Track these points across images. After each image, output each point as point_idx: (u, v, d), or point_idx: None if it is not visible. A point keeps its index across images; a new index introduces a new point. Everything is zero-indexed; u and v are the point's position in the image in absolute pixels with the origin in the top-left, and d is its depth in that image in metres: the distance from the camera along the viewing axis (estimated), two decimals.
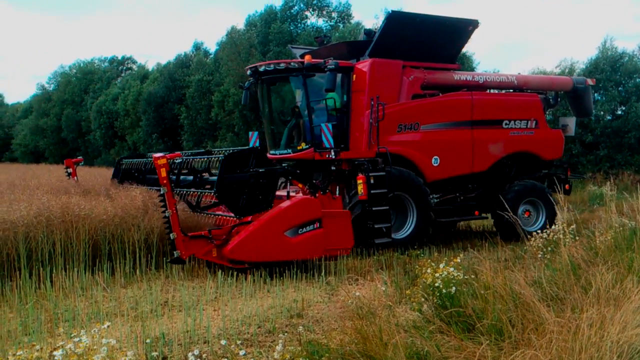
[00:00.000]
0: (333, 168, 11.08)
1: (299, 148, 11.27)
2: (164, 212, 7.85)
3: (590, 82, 13.88)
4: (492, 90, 13.21)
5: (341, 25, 36.63)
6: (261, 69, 11.26)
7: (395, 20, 11.32)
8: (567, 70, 26.28)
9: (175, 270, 8.35)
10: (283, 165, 10.25)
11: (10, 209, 8.11)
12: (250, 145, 11.67)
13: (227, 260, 8.35)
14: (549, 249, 7.62)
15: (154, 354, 4.65)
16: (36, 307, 6.50)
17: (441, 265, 5.05)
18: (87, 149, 49.03)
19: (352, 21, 38.12)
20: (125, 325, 5.78)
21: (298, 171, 10.69)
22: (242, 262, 8.40)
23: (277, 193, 9.48)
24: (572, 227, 7.97)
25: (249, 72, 11.73)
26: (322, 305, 6.90)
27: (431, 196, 11.52)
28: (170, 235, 7.84)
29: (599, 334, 3.69)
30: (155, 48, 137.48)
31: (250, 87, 11.85)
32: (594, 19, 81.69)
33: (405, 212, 11.09)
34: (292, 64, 11.03)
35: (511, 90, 13.18)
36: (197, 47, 41.77)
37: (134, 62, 54.15)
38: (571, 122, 13.79)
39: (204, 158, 9.41)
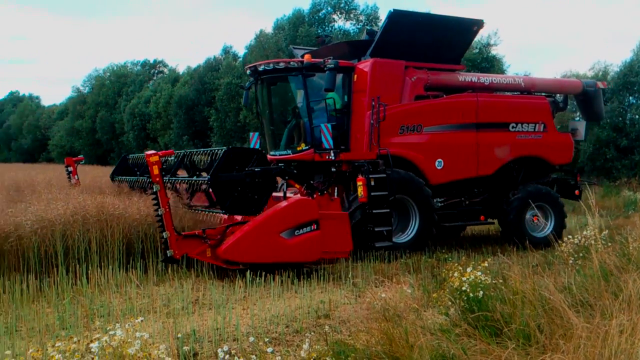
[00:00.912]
0: (333, 169, 10.87)
1: (298, 149, 11.08)
2: (156, 210, 7.77)
3: (600, 85, 13.52)
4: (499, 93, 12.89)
5: (368, 28, 36.61)
6: (260, 68, 11.07)
7: (397, 19, 11.06)
8: (600, 73, 25.91)
9: (206, 270, 8.44)
10: (280, 165, 10.10)
11: (48, 208, 8.39)
12: (251, 146, 11.51)
13: (221, 261, 8.27)
14: (580, 254, 7.55)
15: (185, 348, 4.76)
16: (73, 303, 6.71)
17: (468, 269, 5.07)
18: (120, 150, 49.81)
19: (379, 24, 38.11)
20: (157, 322, 5.92)
21: (295, 171, 10.54)
22: (236, 263, 8.30)
23: (274, 194, 9.35)
24: (604, 233, 7.86)
25: (248, 71, 11.60)
26: (348, 307, 6.96)
27: (435, 200, 11.24)
28: (163, 234, 7.77)
29: (630, 341, 3.66)
30: (185, 52, 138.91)
31: (251, 87, 11.67)
32: (630, 21, 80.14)
33: (408, 216, 10.87)
34: (291, 63, 10.88)
35: (518, 93, 12.85)
36: (226, 50, 42.19)
37: (165, 65, 54.95)
38: (581, 126, 13.47)
39: (207, 151, 9.32)
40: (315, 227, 8.50)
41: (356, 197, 10.16)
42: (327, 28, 37.48)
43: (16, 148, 69.51)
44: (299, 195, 9.27)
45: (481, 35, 29.19)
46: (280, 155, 11.38)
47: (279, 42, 32.16)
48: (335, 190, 10.67)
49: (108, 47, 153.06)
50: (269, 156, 11.40)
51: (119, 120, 49.62)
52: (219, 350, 3.78)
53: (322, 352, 4.11)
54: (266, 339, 5.27)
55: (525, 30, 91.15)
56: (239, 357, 3.60)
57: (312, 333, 5.58)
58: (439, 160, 11.20)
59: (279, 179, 9.85)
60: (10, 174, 16.99)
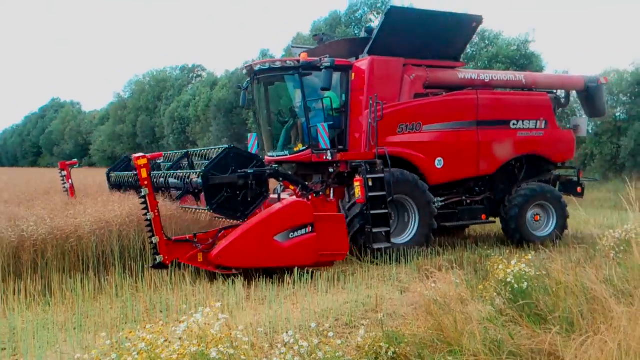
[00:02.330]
0: (331, 170, 10.72)
1: (295, 149, 10.93)
2: (145, 214, 7.65)
3: (602, 80, 13.29)
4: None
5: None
6: (257, 68, 10.93)
7: (395, 16, 10.97)
8: None
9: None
10: (273, 166, 9.81)
11: (105, 209, 8.81)
12: (249, 147, 11.31)
13: (213, 266, 8.14)
14: (622, 248, 7.63)
15: (259, 329, 5.05)
16: (132, 299, 7.11)
17: (513, 262, 5.27)
18: None
19: None
20: (215, 315, 6.25)
21: (289, 173, 10.48)
22: (228, 268, 8.13)
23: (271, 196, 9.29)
24: None
25: (244, 71, 11.46)
26: (394, 301, 7.20)
27: (435, 199, 11.09)
28: (153, 239, 7.66)
29: None
30: (224, 56, 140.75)
31: (248, 88, 11.54)
32: None
33: (407, 216, 10.75)
34: (288, 62, 10.73)
35: (520, 90, 12.64)
36: (263, 54, 42.71)
37: (204, 69, 55.73)
38: (583, 122, 13.41)
39: (209, 149, 9.28)
40: (310, 230, 8.38)
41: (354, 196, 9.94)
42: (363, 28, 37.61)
43: (58, 153, 71.38)
44: (294, 197, 9.17)
45: (519, 33, 29.05)
46: (277, 156, 11.28)
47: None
48: (331, 192, 10.44)
49: (148, 53, 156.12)
50: (266, 157, 11.36)
51: (159, 124, 50.62)
52: (284, 335, 4.08)
53: (377, 339, 4.37)
54: (330, 334, 5.51)
55: (565, 27, 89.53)
56: (303, 340, 3.88)
57: (367, 320, 5.83)
58: (439, 159, 11.09)
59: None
60: (54, 176, 17.51)
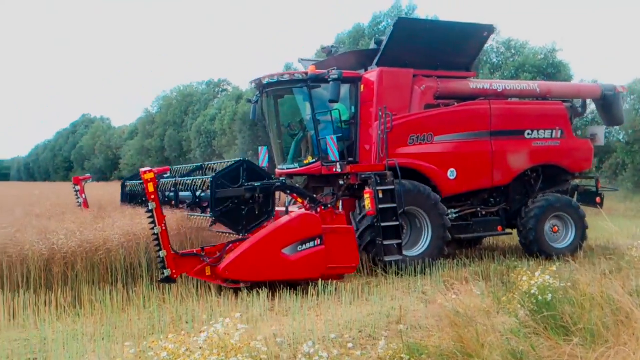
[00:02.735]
0: (341, 182, 10.66)
1: (305, 162, 10.88)
2: (152, 228, 7.62)
3: (620, 89, 13.02)
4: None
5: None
6: (265, 81, 10.90)
7: (403, 27, 10.92)
8: None
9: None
10: (281, 179, 9.77)
11: (132, 222, 8.96)
12: (260, 160, 11.26)
13: (220, 280, 8.11)
14: None
15: (279, 340, 5.10)
16: (159, 310, 7.21)
17: (537, 274, 5.23)
18: None
19: None
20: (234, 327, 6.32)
21: (297, 185, 10.43)
22: (237, 282, 8.11)
23: (278, 209, 9.25)
24: None
25: (253, 85, 11.45)
26: (418, 313, 7.17)
27: (449, 211, 10.96)
28: (160, 253, 7.62)
29: None
30: (249, 70, 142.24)
31: (258, 102, 11.46)
32: None
33: (420, 228, 10.58)
34: (296, 75, 10.69)
35: (534, 99, 12.46)
36: (288, 67, 43.01)
37: (229, 84, 56.29)
38: (600, 131, 13.08)
39: (197, 179, 9.18)
40: (319, 243, 8.31)
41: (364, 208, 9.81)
42: None
43: (89, 168, 72.63)
44: (302, 210, 9.08)
45: (546, 42, 28.79)
46: (287, 169, 11.27)
47: None
48: (340, 204, 10.28)
49: (174, 68, 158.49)
50: (277, 170, 11.44)
51: (186, 138, 51.21)
52: (305, 345, 4.12)
53: (398, 351, 4.38)
54: (350, 345, 5.54)
55: (594, 35, 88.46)
56: (322, 351, 3.92)
57: (387, 332, 5.84)
58: (452, 170, 10.94)
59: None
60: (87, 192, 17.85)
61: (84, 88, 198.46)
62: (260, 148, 11.56)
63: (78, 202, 11.53)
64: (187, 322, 6.77)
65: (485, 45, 30.33)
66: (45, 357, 5.64)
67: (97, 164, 70.68)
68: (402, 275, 9.67)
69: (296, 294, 7.95)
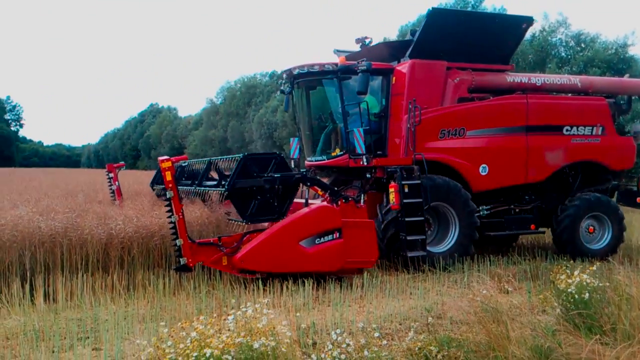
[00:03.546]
0: (368, 175, 10.51)
1: (333, 154, 10.77)
2: (170, 217, 7.72)
3: None
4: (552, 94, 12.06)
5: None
6: (295, 72, 10.79)
7: (437, 18, 10.62)
8: None
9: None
10: (302, 171, 9.54)
11: (186, 210, 9.21)
12: (291, 151, 11.39)
13: (237, 270, 8.11)
14: None
15: (303, 325, 5.24)
16: (208, 296, 7.49)
17: (575, 272, 5.16)
18: None
19: None
20: (281, 315, 6.50)
21: (317, 177, 10.20)
22: (252, 272, 8.11)
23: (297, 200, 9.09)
24: None
25: (284, 76, 11.34)
26: (461, 308, 7.15)
27: (480, 207, 10.73)
28: (177, 241, 7.67)
29: None
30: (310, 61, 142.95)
31: (291, 92, 11.37)
32: None
33: (448, 225, 10.37)
34: (326, 66, 10.46)
35: (575, 94, 12.04)
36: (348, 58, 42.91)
37: None
38: None
39: (229, 158, 8.98)
40: (337, 236, 8.22)
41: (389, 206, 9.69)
42: None
43: (155, 156, 74.95)
44: (320, 201, 9.03)
45: (617, 36, 27.69)
46: (316, 161, 11.20)
47: None
48: (362, 197, 10.07)
49: (239, 59, 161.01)
50: (306, 162, 11.37)
51: (248, 129, 52.09)
52: (332, 332, 4.24)
53: (427, 342, 4.44)
54: (376, 334, 5.65)
55: None
56: (350, 339, 4.03)
57: (417, 322, 5.88)
58: (484, 165, 10.68)
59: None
60: (147, 179, 18.47)
61: (154, 78, 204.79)
62: (291, 139, 11.62)
63: (111, 189, 11.51)
64: (232, 308, 7.01)
65: (554, 38, 29.50)
66: (97, 336, 5.99)
67: (163, 152, 72.74)
68: (449, 271, 9.65)
69: (341, 286, 8.07)
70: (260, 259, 7.97)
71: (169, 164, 7.64)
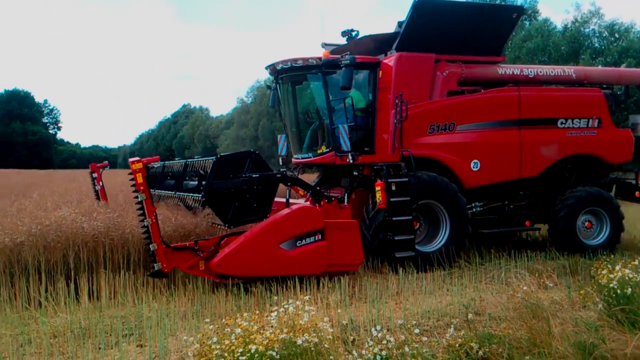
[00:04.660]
0: (355, 173, 10.15)
1: (319, 152, 10.36)
2: (142, 220, 7.39)
3: None
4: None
5: (527, 23, 35.37)
6: (279, 67, 10.41)
7: (423, 8, 10.08)
8: None
9: (361, 267, 8.88)
10: (282, 170, 9.20)
11: None
12: (279, 149, 11.07)
13: (214, 275, 7.79)
14: None
15: (344, 322, 5.29)
16: (245, 294, 7.60)
17: (617, 267, 5.10)
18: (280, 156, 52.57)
19: (539, 17, 36.60)
20: (319, 311, 6.57)
21: (298, 176, 9.91)
22: (231, 277, 7.77)
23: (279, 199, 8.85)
24: None
25: (268, 71, 10.94)
26: (499, 304, 7.12)
27: (473, 204, 10.43)
28: (150, 246, 7.37)
29: None
30: None
31: (276, 88, 10.94)
32: None
33: (438, 222, 10.02)
34: (310, 60, 10.01)
35: (570, 86, 11.63)
36: None
37: None
38: None
39: (200, 161, 8.60)
40: (319, 238, 7.94)
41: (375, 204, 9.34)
42: None
43: (189, 156, 75.56)
44: (307, 202, 8.68)
45: None
46: (302, 158, 10.87)
47: None
48: (345, 197, 9.78)
49: (268, 58, 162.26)
50: (293, 160, 11.09)
51: (278, 128, 52.30)
52: (373, 329, 4.28)
53: (468, 339, 4.45)
54: (416, 330, 5.68)
55: None
56: (390, 336, 4.07)
57: (456, 320, 5.88)
58: (475, 161, 10.35)
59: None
60: None
61: (186, 79, 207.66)
62: (278, 136, 11.36)
63: (95, 190, 10.96)
64: (270, 305, 7.10)
65: (587, 29, 28.91)
66: (140, 333, 6.14)
67: (196, 152, 73.50)
68: (486, 267, 9.58)
69: (377, 283, 8.10)
70: (238, 263, 7.66)
71: (139, 165, 7.34)
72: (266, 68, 10.84)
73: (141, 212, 7.41)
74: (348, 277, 8.03)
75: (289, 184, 8.76)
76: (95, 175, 10.81)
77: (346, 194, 9.85)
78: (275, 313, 3.91)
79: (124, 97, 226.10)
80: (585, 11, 28.44)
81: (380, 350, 3.84)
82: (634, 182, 11.82)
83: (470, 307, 6.94)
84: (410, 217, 9.39)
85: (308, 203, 8.65)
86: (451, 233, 9.94)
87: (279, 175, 8.52)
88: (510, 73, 11.03)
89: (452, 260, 9.66)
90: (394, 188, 9.30)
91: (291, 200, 9.21)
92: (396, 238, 9.23)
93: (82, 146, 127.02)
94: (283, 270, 7.74)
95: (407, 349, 3.87)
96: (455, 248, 9.91)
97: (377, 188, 9.23)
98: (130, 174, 7.34)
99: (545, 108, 10.93)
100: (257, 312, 4.16)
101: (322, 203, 8.55)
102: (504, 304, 6.97)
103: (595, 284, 5.40)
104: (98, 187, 10.72)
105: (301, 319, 3.81)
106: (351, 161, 9.75)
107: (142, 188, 7.30)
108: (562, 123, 11.01)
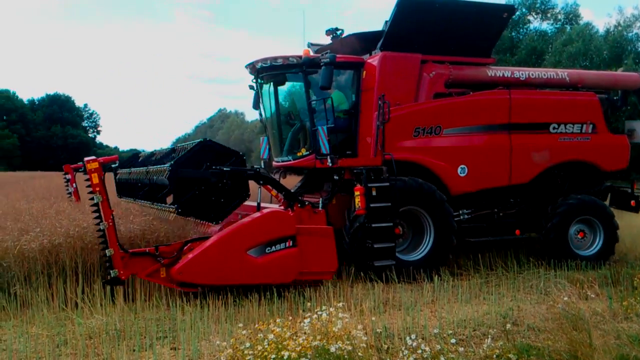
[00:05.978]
0: (336, 177, 9.73)
1: (298, 154, 10.04)
2: (98, 224, 6.91)
3: None
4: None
5: (568, 27, 34.76)
6: (258, 66, 10.06)
7: (409, 6, 9.67)
8: None
9: (395, 274, 8.77)
10: (255, 167, 8.73)
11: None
12: (261, 152, 10.66)
13: (175, 283, 7.33)
14: None
15: (378, 330, 5.22)
16: (279, 299, 7.57)
17: None
18: None
19: (581, 22, 35.96)
20: (352, 318, 6.50)
21: (271, 176, 9.39)
22: (193, 285, 7.35)
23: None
24: None
25: (248, 70, 10.55)
26: (538, 314, 6.95)
27: (460, 211, 10.05)
28: (107, 251, 6.87)
29: None
30: None
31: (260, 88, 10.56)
32: None
33: (422, 231, 9.62)
34: (290, 59, 9.68)
35: (563, 89, 11.14)
36: None
37: None
38: (639, 126, 11.45)
39: (187, 145, 8.01)
40: (291, 244, 7.48)
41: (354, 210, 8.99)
42: (521, 30, 36.32)
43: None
44: (278, 206, 8.34)
45: None
46: (282, 161, 10.54)
47: None
48: (321, 202, 9.37)
49: None
50: (274, 163, 10.75)
51: None
52: (408, 338, 4.20)
53: (505, 350, 4.32)
54: (452, 340, 5.56)
55: None
56: (425, 345, 3.98)
57: (494, 329, 5.75)
58: (462, 166, 9.94)
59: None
60: None
61: (221, 84, 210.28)
62: (261, 138, 10.94)
63: (68, 192, 10.64)
64: (303, 310, 7.06)
65: (630, 33, 28.20)
66: (174, 335, 6.17)
67: None
68: (524, 275, 9.38)
69: (411, 290, 7.99)
70: (201, 270, 7.17)
71: (95, 165, 6.85)
72: (246, 67, 10.51)
73: (97, 215, 6.96)
74: (382, 284, 7.93)
75: (261, 182, 8.30)
76: (69, 176, 10.50)
77: (321, 199, 9.52)
78: (309, 319, 3.87)
79: (161, 101, 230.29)
80: (628, 15, 27.97)
81: (415, 359, 3.76)
82: (629, 190, 11.44)
83: (508, 317, 6.79)
84: (391, 224, 9.06)
85: (280, 207, 8.32)
86: (435, 243, 9.57)
87: (252, 172, 8.02)
88: (501, 75, 10.68)
89: (430, 273, 9.14)
90: (374, 193, 8.96)
91: (262, 204, 8.87)
92: (375, 246, 8.89)
93: (120, 149, 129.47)
94: (250, 279, 7.37)
95: (443, 359, 3.78)
96: (438, 260, 9.56)
97: (357, 193, 8.93)
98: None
99: (537, 112, 10.54)
100: (290, 317, 4.13)
101: (295, 207, 8.23)
102: (543, 315, 6.81)
103: (638, 294, 5.19)
104: (72, 189, 10.43)
105: (334, 326, 3.76)
106: (330, 164, 9.45)
107: (98, 189, 6.86)
108: (554, 128, 10.62)
